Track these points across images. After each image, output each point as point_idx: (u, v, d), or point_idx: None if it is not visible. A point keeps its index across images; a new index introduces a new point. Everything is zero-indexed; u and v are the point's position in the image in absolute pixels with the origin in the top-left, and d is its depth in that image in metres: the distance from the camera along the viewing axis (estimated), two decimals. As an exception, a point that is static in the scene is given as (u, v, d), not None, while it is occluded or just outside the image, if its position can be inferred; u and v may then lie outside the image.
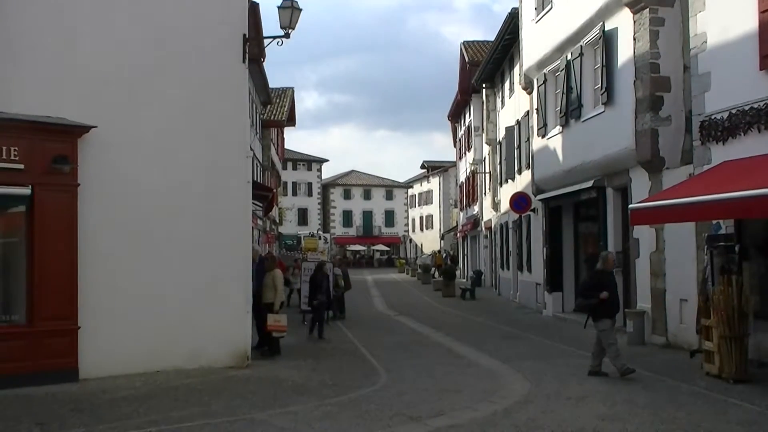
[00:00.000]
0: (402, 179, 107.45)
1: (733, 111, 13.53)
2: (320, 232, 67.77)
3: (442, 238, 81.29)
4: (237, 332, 14.29)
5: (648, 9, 16.98)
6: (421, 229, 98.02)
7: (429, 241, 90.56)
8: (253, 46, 16.82)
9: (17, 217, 12.75)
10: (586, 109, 21.02)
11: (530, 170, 27.28)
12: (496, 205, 38.04)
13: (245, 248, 14.82)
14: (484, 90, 39.72)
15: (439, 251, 66.84)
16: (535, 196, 26.46)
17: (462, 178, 56.32)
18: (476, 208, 46.88)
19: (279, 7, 14.74)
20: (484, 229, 43.71)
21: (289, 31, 14.73)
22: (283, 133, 58.08)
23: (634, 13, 17.43)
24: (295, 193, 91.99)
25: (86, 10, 13.44)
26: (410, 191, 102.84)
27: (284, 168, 72.56)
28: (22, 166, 12.13)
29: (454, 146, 60.87)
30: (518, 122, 30.86)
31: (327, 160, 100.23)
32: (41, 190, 12.33)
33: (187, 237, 13.92)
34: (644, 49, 17.09)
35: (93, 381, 12.53)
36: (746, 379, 12.32)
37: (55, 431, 9.47)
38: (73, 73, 13.09)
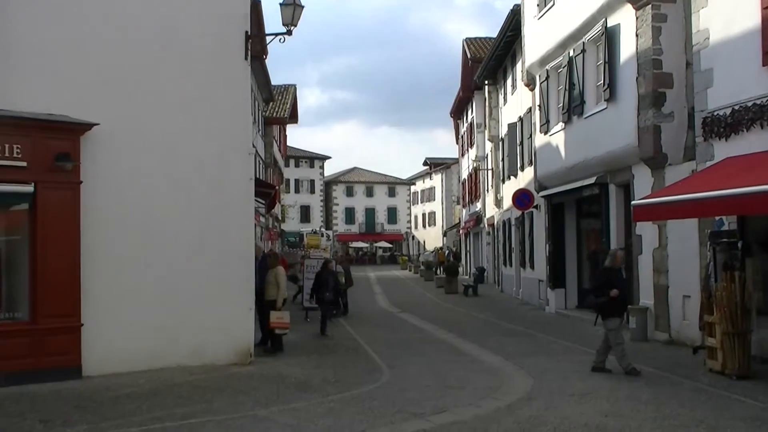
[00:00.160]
0: (404, 176, 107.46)
1: (736, 107, 13.51)
2: (323, 230, 67.80)
3: (444, 235, 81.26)
4: (240, 329, 14.29)
5: (650, 5, 16.97)
6: (424, 226, 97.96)
7: (431, 238, 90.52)
8: (256, 43, 16.80)
9: (20, 215, 12.75)
10: (588, 105, 21.01)
11: (533, 167, 27.27)
12: (498, 202, 38.04)
13: (248, 245, 14.82)
14: (486, 87, 39.69)
15: (441, 248, 66.81)
16: (538, 193, 26.45)
17: (464, 174, 56.30)
18: (479, 205, 46.86)
19: (281, 4, 14.70)
20: (486, 225, 43.70)
21: (291, 28, 14.68)
22: (285, 130, 58.07)
23: (637, 9, 17.42)
24: (297, 191, 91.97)
25: (89, 7, 13.44)
26: (413, 188, 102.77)
27: (287, 165, 72.53)
28: (24, 164, 12.14)
29: (457, 143, 60.83)
30: (521, 119, 30.84)
31: (329, 157, 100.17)
32: (44, 187, 12.33)
33: (190, 234, 13.92)
34: (647, 46, 17.07)
35: (96, 378, 12.55)
36: (749, 376, 12.32)
37: (58, 428, 9.47)
38: (76, 71, 13.08)
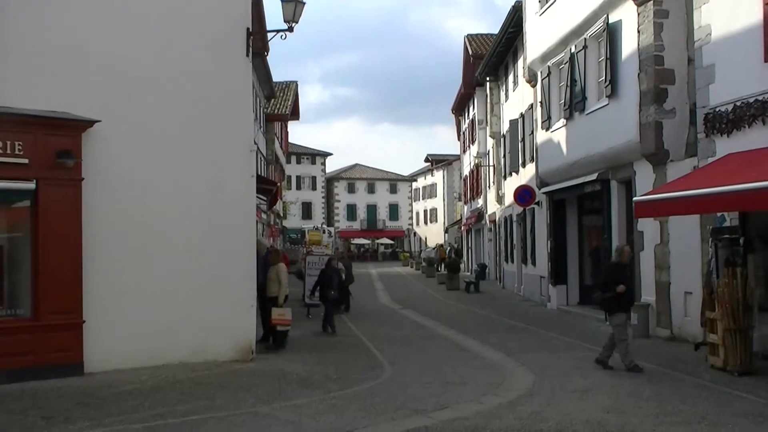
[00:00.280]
0: (406, 173, 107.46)
1: (738, 103, 13.50)
2: (324, 226, 67.79)
3: (446, 231, 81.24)
4: (242, 326, 14.31)
5: (652, 1, 16.96)
6: (425, 223, 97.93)
7: (433, 235, 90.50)
8: (257, 40, 16.77)
9: (22, 212, 12.75)
10: (590, 101, 21.00)
11: (534, 163, 27.26)
12: (500, 199, 38.02)
13: (249, 242, 14.81)
14: (488, 83, 39.62)
15: (442, 245, 66.79)
16: (540, 189, 26.44)
17: (466, 171, 56.28)
18: (480, 202, 46.85)
19: (282, 1, 14.69)
20: (488, 222, 43.70)
21: (293, 24, 14.67)
22: (286, 126, 58.10)
23: (638, 5, 17.39)
24: (299, 187, 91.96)
25: (89, 5, 13.44)
26: (414, 185, 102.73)
27: (288, 162, 72.58)
28: (26, 161, 12.14)
29: (458, 139, 60.83)
30: (522, 115, 30.82)
31: (331, 154, 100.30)
32: (45, 184, 12.33)
33: (192, 231, 13.92)
34: (648, 42, 17.06)
35: (98, 375, 12.56)
36: (751, 372, 12.33)
37: (60, 425, 9.47)
38: (77, 68, 13.09)
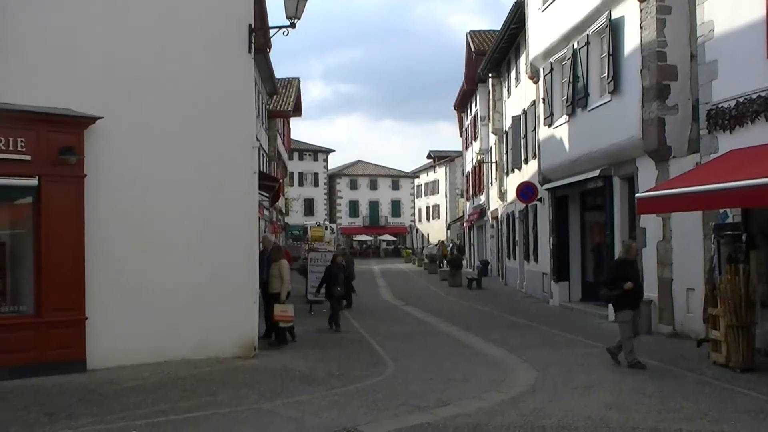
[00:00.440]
0: (408, 169, 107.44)
1: (741, 99, 13.48)
2: (327, 223, 67.80)
3: (448, 228, 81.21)
4: (244, 322, 14.31)
5: (655, -3, 16.92)
6: (428, 219, 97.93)
7: (435, 231, 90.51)
8: (259, 36, 16.75)
9: (24, 209, 12.77)
10: (592, 98, 20.98)
11: (537, 160, 27.23)
12: (502, 195, 37.99)
13: (252, 238, 14.81)
14: (490, 79, 39.58)
15: (444, 242, 66.77)
16: (542, 186, 26.42)
17: (468, 167, 56.25)
18: (483, 198, 46.83)
19: (284, -3, 14.67)
20: (490, 218, 43.68)
21: (295, 21, 14.64)
22: (289, 123, 58.05)
23: (641, 1, 17.37)
24: (301, 184, 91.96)
25: (91, 2, 13.44)
26: (416, 181, 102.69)
27: (290, 158, 72.54)
28: (29, 158, 12.15)
29: (461, 136, 60.78)
30: (524, 111, 30.80)
31: (333, 151, 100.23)
32: (48, 181, 12.35)
33: (194, 227, 13.93)
34: (651, 38, 17.03)
35: (101, 371, 12.58)
36: (753, 368, 12.32)
37: (63, 421, 9.49)
38: (78, 66, 13.08)
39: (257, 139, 16.62)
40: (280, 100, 48.09)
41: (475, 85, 44.91)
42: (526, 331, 18.62)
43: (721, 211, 14.08)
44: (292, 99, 49.26)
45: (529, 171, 29.83)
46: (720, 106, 14.07)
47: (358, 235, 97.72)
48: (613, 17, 19.19)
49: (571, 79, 22.29)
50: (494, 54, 35.39)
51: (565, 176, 23.69)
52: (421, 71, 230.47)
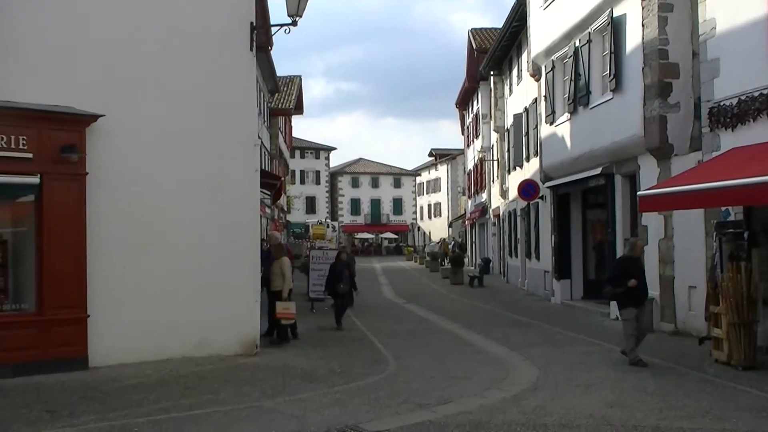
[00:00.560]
0: (410, 167, 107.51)
1: (743, 97, 13.47)
2: (328, 220, 67.82)
3: (450, 225, 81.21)
4: (245, 320, 14.31)
5: (656, -5, 16.90)
6: (429, 217, 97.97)
7: (437, 229, 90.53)
8: (261, 34, 16.75)
9: (26, 207, 12.77)
10: (594, 96, 20.96)
11: (538, 157, 27.22)
12: (504, 193, 37.99)
13: (253, 236, 14.82)
14: (492, 77, 39.61)
15: (445, 239, 66.75)
16: (544, 184, 26.41)
17: (470, 165, 56.23)
18: (484, 196, 46.83)
19: (286, -5, 14.66)
20: (492, 216, 43.68)
21: (297, 18, 14.64)
22: (290, 121, 58.07)
23: (643, -1, 17.36)
24: (303, 182, 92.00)
25: (92, 0, 13.44)
26: (418, 179, 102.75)
27: (292, 156, 72.53)
28: (30, 155, 12.15)
29: (462, 134, 60.77)
30: (526, 109, 30.79)
31: (335, 149, 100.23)
32: (50, 179, 12.35)
33: (195, 225, 13.92)
34: (653, 36, 17.02)
35: (102, 369, 12.59)
36: (755, 366, 12.31)
37: (65, 419, 9.49)
38: (81, 62, 13.08)
39: (259, 137, 16.64)
40: (281, 98, 48.09)
41: (477, 83, 44.90)
42: (527, 329, 18.62)
43: (723, 209, 14.06)
44: (293, 97, 49.25)
45: (530, 169, 29.81)
46: (722, 104, 14.05)
47: (359, 233, 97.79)
48: (614, 15, 19.17)
49: (573, 77, 22.27)
50: (496, 52, 35.40)
51: (566, 174, 23.68)
52: (423, 69, 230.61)
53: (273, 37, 22.96)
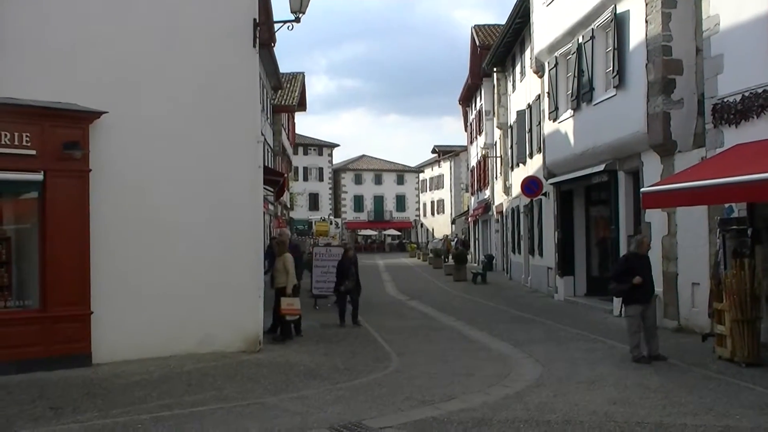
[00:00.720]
0: (413, 164, 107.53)
1: (746, 94, 13.44)
2: (331, 217, 67.84)
3: (453, 222, 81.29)
4: (248, 317, 14.33)
5: (660, -9, 16.87)
6: (433, 214, 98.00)
7: (440, 226, 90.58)
8: (264, 31, 16.78)
9: (30, 203, 12.80)
10: (597, 92, 20.93)
11: (541, 154, 27.20)
12: (507, 189, 37.99)
13: (256, 233, 14.84)
14: (495, 74, 39.57)
15: (448, 236, 66.72)
16: (547, 180, 26.39)
17: (473, 162, 56.21)
18: (487, 193, 46.81)
19: (289, -8, 14.65)
20: (495, 213, 43.66)
21: (300, 15, 14.63)
22: (293, 118, 58.07)
23: (646, -5, 17.32)
24: (306, 178, 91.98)
25: (96, -4, 13.47)
26: (421, 176, 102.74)
27: (295, 153, 72.58)
28: (34, 152, 12.17)
29: (465, 130, 60.72)
30: (529, 106, 30.76)
31: (338, 145, 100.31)
32: (53, 175, 12.36)
33: (199, 222, 13.94)
34: (656, 32, 16.99)
35: (106, 366, 12.61)
36: (758, 363, 12.29)
37: (69, 415, 9.52)
38: (82, 61, 13.09)
39: (262, 134, 16.64)
40: (284, 95, 48.07)
41: (480, 79, 44.82)
42: (530, 326, 18.62)
43: (727, 205, 14.05)
44: (296, 94, 49.22)
45: (533, 165, 29.79)
46: (725, 100, 14.03)
47: (362, 230, 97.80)
48: (618, 11, 19.14)
49: (576, 74, 22.24)
50: (499, 48, 35.35)
51: (570, 171, 23.66)
52: (426, 66, 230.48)
53: (276, 33, 22.96)
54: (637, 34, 18.08)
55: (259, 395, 10.66)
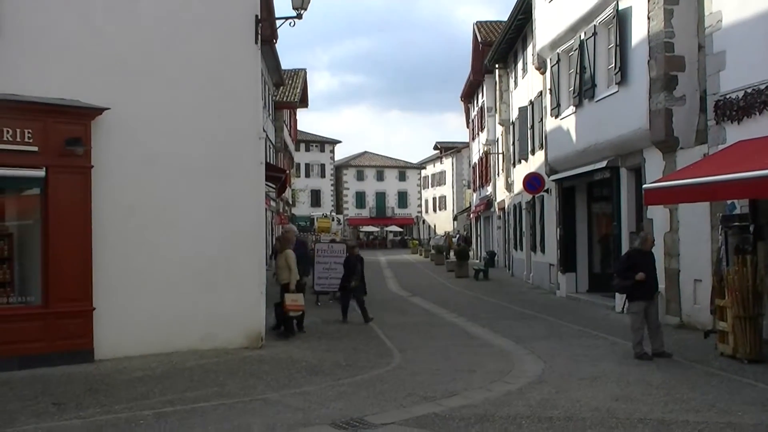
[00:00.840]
0: (415, 160, 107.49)
1: (749, 90, 13.44)
2: (333, 214, 67.80)
3: (455, 219, 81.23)
4: (251, 313, 14.33)
5: (662, -13, 16.85)
6: (434, 210, 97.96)
7: (442, 222, 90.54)
8: (266, 27, 16.76)
9: (32, 200, 12.80)
10: (599, 89, 20.92)
11: (543, 151, 27.20)
12: (509, 186, 37.98)
13: (259, 229, 14.83)
14: (497, 70, 39.56)
15: (450, 233, 66.67)
16: (549, 177, 26.38)
17: (475, 158, 56.22)
18: (489, 189, 46.81)
19: (291, -12, 14.65)
20: (497, 209, 43.67)
21: (302, 11, 14.64)
22: (295, 114, 58.10)
23: (649, -9, 17.30)
24: (308, 175, 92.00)
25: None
26: (423, 172, 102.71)
27: (297, 149, 72.56)
28: (36, 149, 12.17)
29: (467, 127, 60.74)
30: (531, 102, 30.74)
31: (340, 142, 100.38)
32: (55, 172, 12.36)
33: (201, 218, 13.95)
34: (658, 28, 16.97)
35: (108, 362, 12.63)
36: (760, 359, 12.30)
37: (71, 411, 9.53)
38: (85, 56, 13.07)
39: (264, 130, 16.63)
40: (286, 91, 48.09)
41: (482, 76, 44.81)
42: (532, 322, 18.62)
43: (729, 202, 14.04)
44: (298, 90, 49.24)
45: (535, 162, 29.79)
46: (728, 96, 14.02)
47: (364, 227, 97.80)
48: (620, 8, 19.12)
49: (578, 70, 22.23)
50: (501, 45, 35.33)
51: (572, 167, 23.65)
52: (428, 62, 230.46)
53: (278, 30, 22.96)
54: (639, 31, 18.07)
55: (261, 391, 10.67)
